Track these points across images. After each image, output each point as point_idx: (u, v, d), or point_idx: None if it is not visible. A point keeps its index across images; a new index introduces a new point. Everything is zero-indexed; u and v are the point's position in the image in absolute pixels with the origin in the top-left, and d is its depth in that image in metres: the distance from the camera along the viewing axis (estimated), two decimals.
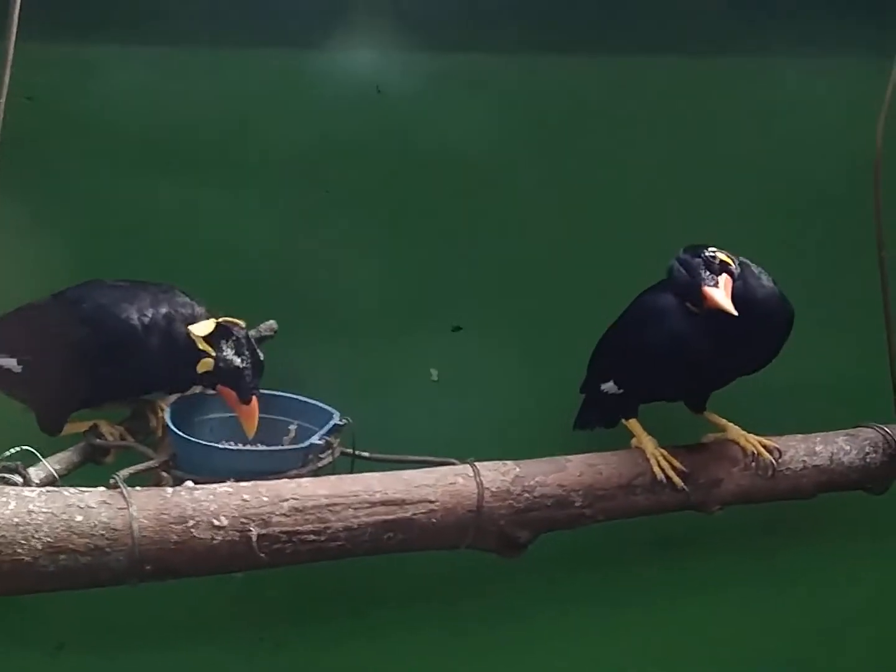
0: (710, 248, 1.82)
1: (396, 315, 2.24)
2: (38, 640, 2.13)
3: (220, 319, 1.88)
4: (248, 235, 2.16)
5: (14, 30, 1.62)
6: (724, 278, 1.78)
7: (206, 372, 1.86)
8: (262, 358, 1.88)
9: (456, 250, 2.24)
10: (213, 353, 1.85)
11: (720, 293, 1.75)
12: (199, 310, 1.90)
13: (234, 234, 2.15)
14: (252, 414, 1.87)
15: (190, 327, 1.85)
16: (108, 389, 1.91)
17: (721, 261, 1.80)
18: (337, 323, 2.20)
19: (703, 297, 1.76)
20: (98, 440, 1.90)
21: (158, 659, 2.18)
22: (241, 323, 1.90)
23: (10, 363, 1.88)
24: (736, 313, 1.73)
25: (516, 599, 2.32)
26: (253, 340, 1.89)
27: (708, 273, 1.78)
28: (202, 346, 1.85)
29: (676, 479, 1.94)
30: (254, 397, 1.86)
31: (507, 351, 2.28)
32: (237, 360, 1.85)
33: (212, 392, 1.94)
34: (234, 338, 1.86)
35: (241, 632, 2.22)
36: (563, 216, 2.27)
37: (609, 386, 2.02)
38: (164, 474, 1.83)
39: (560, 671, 2.37)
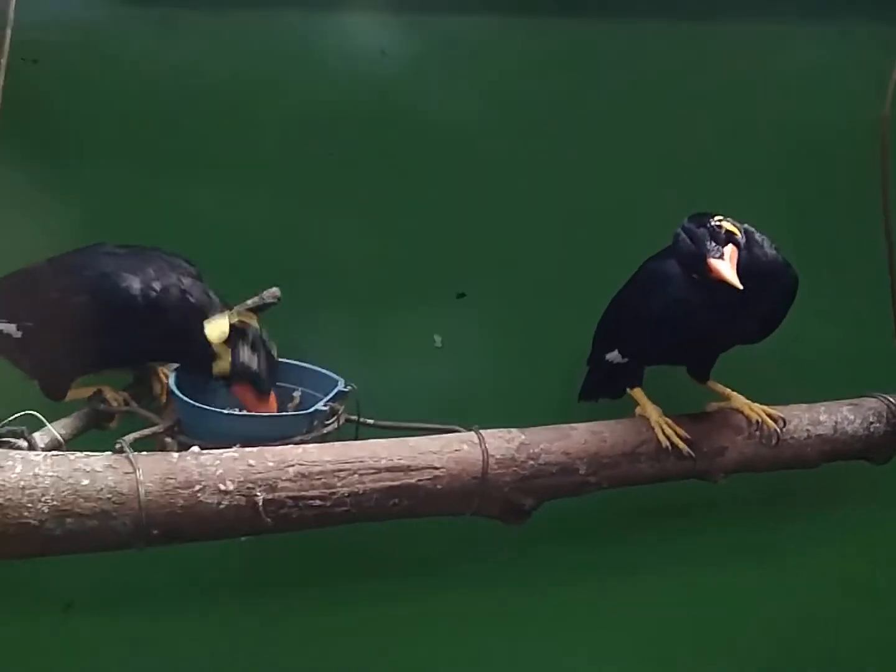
0: (715, 217, 1.80)
1: (400, 281, 2.23)
2: (46, 599, 2.13)
3: (234, 320, 1.87)
4: (250, 201, 2.14)
5: None
6: (729, 249, 1.76)
7: (220, 374, 1.87)
8: (275, 356, 1.89)
9: (460, 216, 2.23)
10: (230, 359, 1.85)
11: (725, 265, 1.73)
12: (213, 296, 1.89)
13: (235, 200, 2.14)
14: (270, 410, 1.88)
15: (206, 329, 1.84)
16: (112, 356, 1.90)
17: (727, 230, 1.78)
18: (340, 289, 2.19)
19: (708, 269, 1.74)
20: (102, 405, 1.90)
21: (165, 619, 2.19)
22: (254, 321, 1.90)
23: (10, 328, 1.86)
24: (741, 287, 1.71)
25: (522, 567, 2.32)
26: (266, 338, 1.89)
27: (713, 244, 1.76)
28: (219, 349, 1.85)
29: (682, 445, 1.94)
30: (271, 396, 1.88)
31: (511, 318, 2.27)
32: (254, 364, 1.86)
33: None
34: (249, 339, 1.86)
35: (246, 594, 2.22)
36: (568, 183, 2.25)
37: (614, 355, 2.01)
38: (168, 440, 1.83)
39: (563, 639, 2.38)
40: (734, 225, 1.80)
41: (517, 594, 2.34)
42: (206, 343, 1.85)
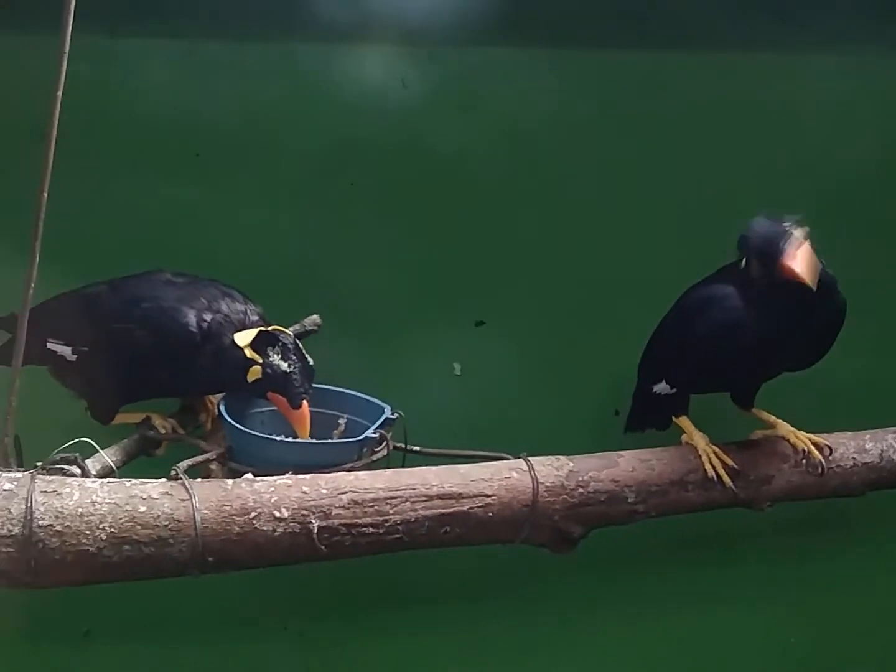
0: (785, 220, 1.77)
1: (420, 309, 2.24)
2: (65, 627, 2.13)
3: (270, 328, 1.88)
4: (273, 230, 2.16)
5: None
6: (804, 250, 1.73)
7: (255, 380, 1.87)
8: (311, 363, 1.89)
9: (479, 245, 2.24)
10: (261, 361, 1.85)
11: (800, 265, 1.70)
12: (253, 316, 1.90)
13: (258, 229, 2.15)
14: (303, 419, 1.88)
15: (235, 336, 1.86)
16: (163, 387, 1.91)
17: (797, 234, 1.75)
18: (359, 317, 2.20)
19: (782, 270, 1.71)
20: (151, 432, 1.91)
21: (183, 646, 2.19)
22: (288, 331, 1.91)
23: (66, 351, 1.88)
24: (815, 288, 1.69)
25: (546, 599, 2.32)
26: (301, 346, 1.90)
27: (787, 244, 1.73)
28: (249, 354, 1.86)
29: (726, 479, 1.93)
30: (304, 402, 1.87)
31: (530, 345, 2.28)
32: (284, 366, 1.86)
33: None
34: (280, 344, 1.87)
35: (265, 622, 2.22)
36: (587, 211, 2.26)
37: (661, 387, 1.99)
38: (214, 466, 1.83)
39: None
40: (802, 230, 1.78)
41: (550, 624, 2.33)
42: (240, 351, 1.85)
